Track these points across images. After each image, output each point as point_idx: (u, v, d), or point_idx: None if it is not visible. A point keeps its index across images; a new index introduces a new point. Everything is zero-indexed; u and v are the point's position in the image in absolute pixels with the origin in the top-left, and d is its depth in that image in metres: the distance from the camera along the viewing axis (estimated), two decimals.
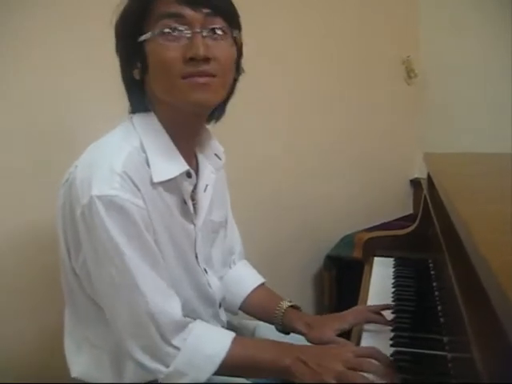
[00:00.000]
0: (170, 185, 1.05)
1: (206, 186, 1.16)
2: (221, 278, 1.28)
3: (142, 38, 0.99)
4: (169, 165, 1.04)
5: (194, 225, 1.12)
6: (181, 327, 1.01)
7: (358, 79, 2.57)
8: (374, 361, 0.98)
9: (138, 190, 0.97)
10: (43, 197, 1.36)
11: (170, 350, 0.99)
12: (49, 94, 1.41)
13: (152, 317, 0.97)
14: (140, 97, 1.06)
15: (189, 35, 0.98)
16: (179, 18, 0.98)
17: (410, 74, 2.90)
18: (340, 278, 2.42)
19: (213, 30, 1.00)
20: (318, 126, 2.38)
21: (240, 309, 1.32)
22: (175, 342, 0.99)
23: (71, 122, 1.46)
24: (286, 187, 2.26)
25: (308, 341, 1.19)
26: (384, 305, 1.26)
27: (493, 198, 1.01)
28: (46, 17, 1.39)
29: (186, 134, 1.10)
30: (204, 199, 1.15)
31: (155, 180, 1.01)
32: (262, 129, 2.07)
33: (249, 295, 1.31)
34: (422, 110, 2.96)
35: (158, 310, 0.98)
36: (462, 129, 2.81)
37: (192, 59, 0.97)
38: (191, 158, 1.12)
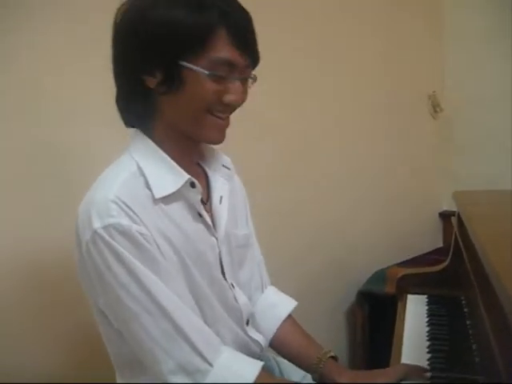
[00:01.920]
0: (175, 199, 1.04)
1: (221, 197, 1.15)
2: (253, 303, 1.26)
3: (188, 64, 0.97)
4: (169, 179, 1.03)
5: (216, 238, 1.11)
6: (212, 344, 1.00)
7: (386, 115, 2.62)
8: None
9: (134, 213, 0.96)
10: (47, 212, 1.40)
11: (204, 365, 0.97)
12: (50, 109, 1.43)
13: (183, 334, 0.96)
14: (142, 104, 1.05)
15: (230, 80, 1.00)
16: (231, 64, 0.99)
17: (435, 108, 2.94)
18: (372, 314, 2.43)
19: (246, 78, 1.04)
20: (348, 162, 2.43)
21: (271, 346, 1.28)
22: (208, 356, 0.97)
23: (75, 137, 1.47)
24: (319, 225, 2.29)
25: None
26: (424, 368, 1.20)
27: None
28: (54, 23, 1.41)
29: (187, 150, 1.10)
30: (221, 211, 1.14)
31: (157, 196, 1.00)
32: (294, 165, 2.13)
33: (281, 332, 1.28)
34: (449, 143, 2.98)
35: (187, 327, 0.96)
36: (489, 162, 2.83)
37: (227, 103, 1.01)
38: (195, 171, 1.11)
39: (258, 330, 1.25)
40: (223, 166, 1.19)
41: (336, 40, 2.31)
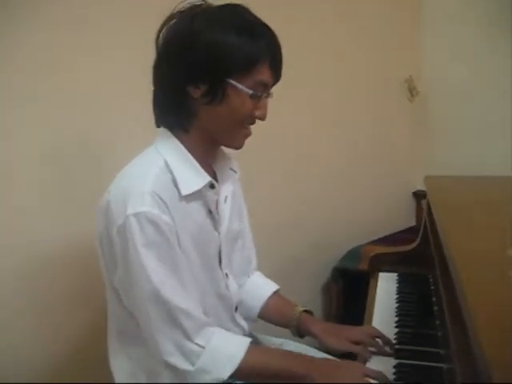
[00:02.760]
0: (195, 197, 1.17)
1: (226, 197, 1.28)
2: (240, 286, 1.41)
3: (235, 83, 1.11)
4: (194, 178, 1.17)
5: (219, 233, 1.25)
6: (203, 328, 1.13)
7: (364, 98, 2.71)
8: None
9: (166, 206, 1.09)
10: (68, 212, 1.53)
11: (195, 347, 1.10)
12: (76, 108, 1.54)
13: (175, 319, 1.09)
14: (182, 110, 1.16)
15: (261, 98, 1.16)
16: (265, 85, 1.16)
17: (412, 92, 3.03)
18: (346, 289, 2.54)
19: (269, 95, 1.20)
20: (325, 144, 2.52)
21: (259, 316, 1.44)
22: (199, 340, 1.11)
23: (98, 135, 1.60)
24: (295, 203, 2.40)
25: (322, 345, 1.34)
26: (388, 339, 1.33)
27: (483, 235, 1.16)
28: (80, 27, 1.52)
29: (207, 153, 1.24)
30: (225, 210, 1.27)
31: (184, 193, 1.14)
32: (273, 146, 2.18)
33: (266, 302, 1.44)
34: (424, 125, 3.09)
35: (180, 314, 1.09)
36: (462, 144, 2.94)
37: (254, 117, 1.18)
38: (209, 172, 1.23)
39: (245, 308, 1.40)
40: (231, 169, 1.32)
41: (312, 26, 2.37)
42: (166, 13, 1.17)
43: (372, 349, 1.30)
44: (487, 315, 0.75)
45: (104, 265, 1.20)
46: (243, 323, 1.36)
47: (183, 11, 1.15)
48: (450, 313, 1.05)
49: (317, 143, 2.48)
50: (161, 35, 1.16)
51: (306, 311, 1.41)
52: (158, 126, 1.23)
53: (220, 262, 1.27)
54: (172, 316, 1.09)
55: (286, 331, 1.44)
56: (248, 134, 1.21)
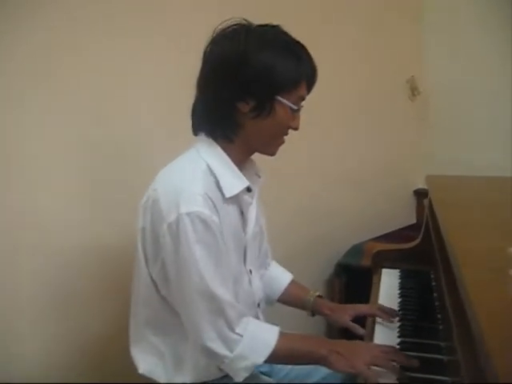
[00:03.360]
0: (233, 199, 1.27)
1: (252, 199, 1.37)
2: (261, 277, 1.51)
3: (282, 99, 1.23)
4: (234, 182, 1.26)
5: (245, 233, 1.34)
6: (242, 318, 1.23)
7: (366, 97, 2.76)
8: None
9: (215, 207, 1.19)
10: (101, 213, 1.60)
11: (236, 336, 1.20)
12: (110, 110, 1.62)
13: (221, 309, 1.18)
14: (229, 123, 1.26)
15: (299, 110, 1.29)
16: (303, 99, 1.28)
17: (413, 91, 3.09)
18: (349, 285, 2.61)
19: None
20: (329, 142, 2.58)
21: (278, 300, 1.60)
22: (239, 330, 1.21)
23: (131, 137, 1.68)
24: (301, 201, 2.46)
25: (331, 322, 1.54)
26: (392, 309, 1.52)
27: (483, 234, 1.22)
28: (119, 28, 1.60)
29: (243, 160, 1.33)
30: (252, 212, 1.37)
31: (227, 195, 1.23)
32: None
33: (286, 288, 1.60)
34: (425, 125, 3.15)
35: (225, 304, 1.19)
36: (464, 142, 3.00)
37: (291, 128, 1.29)
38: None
39: (265, 295, 1.52)
40: (256, 174, 1.40)
41: (315, 26, 2.40)
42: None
43: (379, 319, 1.48)
44: (488, 310, 0.81)
45: (143, 257, 1.28)
46: (261, 317, 1.45)
47: (231, 29, 1.24)
48: (453, 308, 1.11)
49: (321, 142, 2.53)
50: (208, 51, 1.25)
51: (318, 296, 1.58)
52: (196, 134, 1.31)
53: (245, 259, 1.36)
54: (218, 306, 1.18)
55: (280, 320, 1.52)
56: (282, 143, 1.32)
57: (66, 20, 1.49)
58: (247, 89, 1.21)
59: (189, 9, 1.80)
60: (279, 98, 1.23)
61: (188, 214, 1.14)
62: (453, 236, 1.19)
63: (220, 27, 1.24)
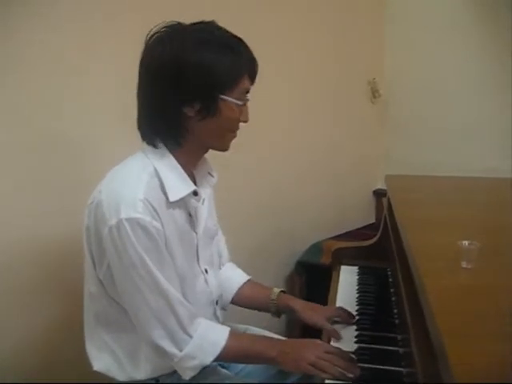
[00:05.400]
0: (180, 203, 1.26)
1: (203, 199, 1.37)
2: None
3: (226, 97, 1.22)
4: (180, 186, 1.26)
5: (196, 233, 1.34)
6: (193, 319, 1.24)
7: (328, 97, 2.81)
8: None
9: (157, 213, 1.18)
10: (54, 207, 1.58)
11: (185, 336, 1.22)
12: (59, 101, 1.59)
13: (173, 308, 1.20)
14: (177, 129, 1.25)
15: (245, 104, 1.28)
16: (247, 92, 1.28)
17: (374, 94, 3.15)
18: (310, 282, 2.65)
19: None
20: (287, 142, 2.59)
21: (232, 302, 1.56)
22: (189, 330, 1.22)
23: (81, 128, 1.65)
24: (261, 199, 2.47)
25: (301, 319, 1.48)
26: (351, 314, 1.51)
27: (439, 229, 1.27)
28: (63, 19, 1.56)
29: (194, 162, 1.34)
30: (203, 211, 1.37)
31: (171, 200, 1.23)
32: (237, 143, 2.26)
33: (240, 289, 1.56)
34: (385, 127, 3.22)
35: (176, 302, 1.20)
36: (422, 144, 3.07)
37: (241, 122, 1.29)
38: (191, 177, 1.32)
39: (220, 303, 1.48)
40: (209, 173, 1.41)
41: (278, 27, 2.43)
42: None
43: (338, 319, 1.49)
44: (440, 296, 0.84)
45: (90, 257, 1.28)
46: (219, 314, 1.46)
47: (163, 33, 1.22)
48: (408, 301, 1.15)
49: (281, 140, 2.55)
50: (144, 60, 1.24)
51: (282, 291, 1.55)
52: (145, 140, 1.29)
53: (198, 259, 1.36)
54: (169, 304, 1.20)
55: (249, 319, 1.56)
56: (234, 137, 1.32)
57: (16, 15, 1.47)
58: (189, 93, 1.20)
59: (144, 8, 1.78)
60: (223, 97, 1.22)
61: (128, 220, 1.15)
62: (409, 231, 1.24)
63: (152, 32, 1.23)
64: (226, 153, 1.33)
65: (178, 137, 1.26)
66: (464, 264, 1.00)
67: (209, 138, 1.28)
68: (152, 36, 1.23)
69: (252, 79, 1.29)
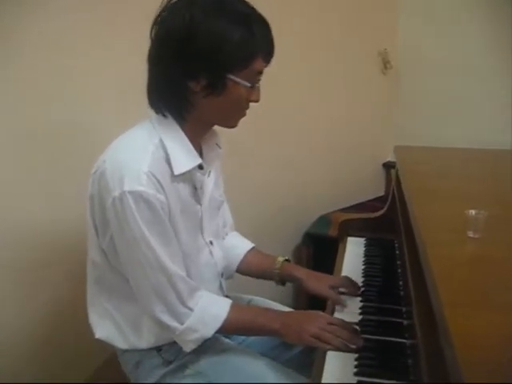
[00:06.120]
0: (185, 176, 1.23)
1: (210, 171, 1.35)
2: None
3: (234, 77, 1.16)
4: (186, 159, 1.22)
5: (201, 205, 1.31)
6: (194, 292, 1.23)
7: (337, 70, 2.76)
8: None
9: (161, 186, 1.15)
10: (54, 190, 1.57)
11: (186, 310, 1.21)
12: (58, 90, 1.57)
13: (173, 284, 1.19)
14: (181, 102, 1.20)
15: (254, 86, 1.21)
16: (260, 73, 1.21)
17: (386, 65, 3.09)
18: (317, 254, 2.64)
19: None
20: (298, 114, 2.57)
21: (237, 271, 1.54)
22: (190, 303, 1.21)
23: (81, 117, 1.62)
24: (270, 172, 2.47)
25: (304, 287, 1.47)
26: (357, 285, 1.50)
27: (446, 200, 1.25)
28: (60, 8, 1.53)
29: (201, 134, 1.31)
30: (209, 183, 1.34)
31: (176, 173, 1.19)
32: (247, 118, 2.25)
33: (244, 257, 1.54)
34: (397, 99, 3.16)
35: (177, 278, 1.19)
36: (434, 117, 3.03)
37: (250, 102, 1.23)
38: (198, 149, 1.30)
39: (225, 274, 1.47)
40: (216, 144, 1.38)
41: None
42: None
43: (344, 289, 1.47)
44: (446, 270, 0.82)
45: (93, 227, 1.26)
46: (224, 286, 1.45)
47: (176, 2, 1.17)
48: (412, 272, 1.13)
49: (291, 114, 2.52)
50: (155, 27, 1.18)
51: (286, 260, 1.53)
52: (152, 108, 1.25)
53: (202, 231, 1.34)
54: (169, 280, 1.19)
55: (254, 289, 1.54)
56: (244, 115, 1.27)
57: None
58: (196, 67, 1.15)
59: None
60: (231, 77, 1.16)
61: (131, 193, 1.12)
62: (416, 202, 1.22)
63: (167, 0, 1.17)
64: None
65: (183, 110, 1.22)
66: (471, 234, 0.98)
67: (214, 115, 1.24)
68: (166, 4, 1.18)
69: (268, 60, 1.21)
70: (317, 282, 1.46)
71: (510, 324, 0.68)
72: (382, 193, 3.17)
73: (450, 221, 1.06)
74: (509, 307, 0.72)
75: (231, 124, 1.28)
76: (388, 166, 3.17)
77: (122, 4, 1.66)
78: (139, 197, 1.13)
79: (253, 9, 1.18)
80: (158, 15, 1.18)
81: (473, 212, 0.98)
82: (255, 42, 1.15)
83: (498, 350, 0.62)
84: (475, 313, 0.70)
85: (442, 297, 0.72)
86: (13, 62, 1.46)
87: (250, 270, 1.55)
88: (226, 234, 1.56)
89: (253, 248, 1.57)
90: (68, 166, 1.60)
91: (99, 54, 1.63)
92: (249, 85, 1.19)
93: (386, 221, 1.91)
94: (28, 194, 1.54)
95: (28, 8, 1.46)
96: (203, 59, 1.14)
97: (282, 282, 1.53)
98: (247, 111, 1.27)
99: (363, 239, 1.91)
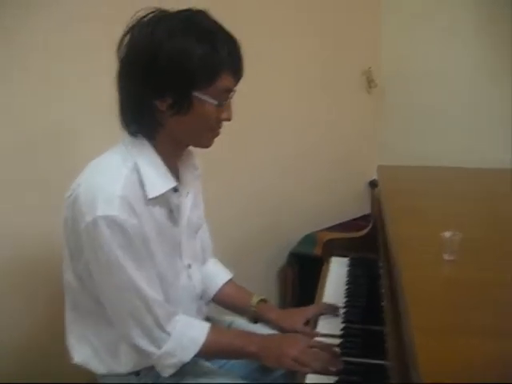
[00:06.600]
0: (160, 199, 1.21)
1: (187, 192, 1.33)
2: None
3: (200, 95, 1.14)
4: (160, 182, 1.21)
5: (178, 228, 1.30)
6: (171, 317, 1.21)
7: (323, 90, 2.77)
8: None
9: (134, 210, 1.14)
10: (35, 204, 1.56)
11: (163, 334, 1.19)
12: (42, 102, 1.57)
13: (150, 309, 1.17)
14: (149, 121, 1.19)
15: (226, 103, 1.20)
16: (229, 90, 1.19)
17: (370, 83, 3.12)
18: (302, 273, 2.63)
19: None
20: (282, 133, 2.58)
21: (213, 300, 1.52)
22: (167, 328, 1.20)
23: (80, 119, 1.63)
24: (254, 190, 2.46)
25: (278, 328, 1.43)
26: (336, 308, 1.49)
27: (425, 220, 1.24)
28: (44, 19, 1.53)
29: (176, 154, 1.29)
30: (187, 204, 1.33)
31: (150, 196, 1.18)
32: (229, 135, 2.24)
33: (220, 289, 1.51)
34: (381, 116, 3.18)
35: (153, 303, 1.17)
36: (419, 134, 3.05)
37: (221, 120, 1.21)
38: (174, 170, 1.29)
39: (204, 297, 1.46)
40: (193, 166, 1.37)
41: (273, 15, 2.41)
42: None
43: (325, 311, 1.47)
44: (420, 293, 0.82)
45: (68, 250, 1.25)
46: (204, 309, 1.44)
47: (142, 20, 1.16)
48: (389, 293, 1.12)
49: (276, 129, 2.53)
50: (122, 46, 1.18)
51: (262, 300, 1.49)
52: (124, 128, 1.24)
53: (180, 254, 1.33)
54: (146, 305, 1.17)
55: None
56: (217, 135, 1.25)
57: None
58: (161, 86, 1.14)
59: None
60: (196, 94, 1.15)
61: (104, 218, 1.11)
62: (394, 222, 1.21)
63: (133, 18, 1.16)
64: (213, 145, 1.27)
65: (152, 130, 1.21)
66: (446, 256, 0.98)
67: (183, 134, 1.23)
68: (131, 23, 1.17)
69: (237, 76, 1.19)
70: (290, 320, 1.43)
71: (482, 347, 0.68)
72: (368, 211, 3.13)
73: (426, 242, 1.05)
74: (482, 331, 0.72)
75: (204, 143, 1.26)
76: (374, 185, 3.15)
77: (122, 11, 1.66)
78: (112, 222, 1.11)
79: (220, 26, 1.17)
80: (124, 35, 1.17)
81: (448, 234, 0.98)
82: (219, 58, 1.14)
83: (466, 376, 0.61)
84: (447, 337, 0.70)
85: (414, 321, 0.71)
86: (14, 64, 1.47)
87: (225, 302, 1.53)
88: (207, 260, 1.54)
89: (230, 280, 1.54)
90: (67, 168, 1.58)
91: (99, 56, 1.59)
92: (215, 102, 1.17)
93: (370, 240, 1.90)
94: (28, 194, 1.54)
95: (28, 10, 1.46)
96: (167, 77, 1.13)
97: (254, 320, 1.49)
98: (221, 130, 1.25)
99: (347, 259, 1.90)
